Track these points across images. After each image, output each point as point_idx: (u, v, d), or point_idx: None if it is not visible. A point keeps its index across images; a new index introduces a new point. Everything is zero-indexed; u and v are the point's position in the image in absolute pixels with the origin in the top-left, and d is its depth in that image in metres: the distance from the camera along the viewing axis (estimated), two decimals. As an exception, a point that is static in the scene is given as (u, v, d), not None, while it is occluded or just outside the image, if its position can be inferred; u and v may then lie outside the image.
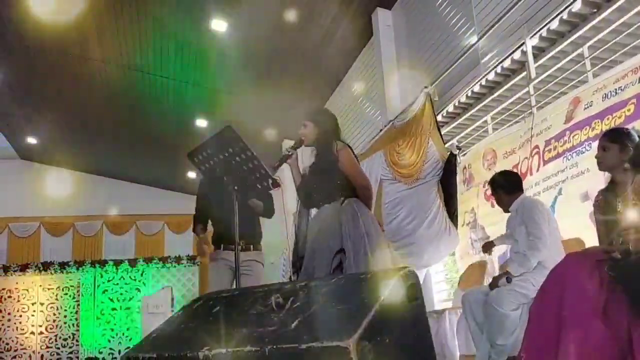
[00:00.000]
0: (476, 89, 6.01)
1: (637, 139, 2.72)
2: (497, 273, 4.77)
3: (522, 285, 3.34)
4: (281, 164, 3.33)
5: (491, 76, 5.77)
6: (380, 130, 7.19)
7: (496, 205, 5.24)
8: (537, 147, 4.82)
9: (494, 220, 5.03)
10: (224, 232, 3.70)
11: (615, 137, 2.77)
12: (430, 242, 5.52)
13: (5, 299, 11.82)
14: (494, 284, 3.47)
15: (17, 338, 11.63)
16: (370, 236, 3.06)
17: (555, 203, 4.47)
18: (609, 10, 4.57)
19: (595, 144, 2.89)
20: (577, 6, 4.75)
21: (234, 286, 3.56)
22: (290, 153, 3.33)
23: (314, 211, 3.36)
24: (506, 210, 3.85)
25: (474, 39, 6.26)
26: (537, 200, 4.10)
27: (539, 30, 5.06)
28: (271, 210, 3.89)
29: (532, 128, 4.90)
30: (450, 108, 6.46)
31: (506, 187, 3.79)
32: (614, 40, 4.58)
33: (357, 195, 3.22)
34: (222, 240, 3.78)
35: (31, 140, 12.18)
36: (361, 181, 3.28)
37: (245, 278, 3.57)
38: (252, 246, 3.75)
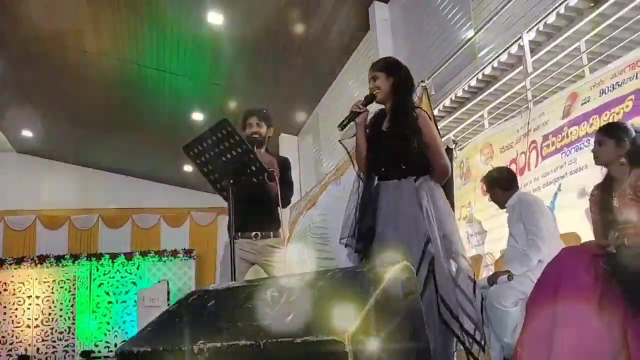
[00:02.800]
0: (473, 83, 6.00)
1: (633, 133, 2.73)
2: (493, 266, 4.78)
3: (520, 282, 3.34)
4: (349, 122, 2.88)
5: (488, 70, 5.76)
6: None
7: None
8: (534, 142, 4.82)
9: (491, 214, 5.04)
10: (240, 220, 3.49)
11: (611, 132, 2.77)
12: None
13: (0, 292, 11.81)
14: (492, 280, 3.45)
15: (12, 331, 11.64)
16: (451, 219, 2.78)
17: (556, 199, 4.47)
18: (606, 4, 4.57)
19: (593, 140, 2.89)
20: (574, 0, 4.74)
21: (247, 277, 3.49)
22: (361, 110, 2.87)
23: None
24: (502, 207, 3.82)
25: (470, 32, 6.25)
26: (535, 196, 4.09)
27: (535, 24, 5.05)
28: (287, 198, 3.62)
29: (529, 123, 4.90)
30: (447, 102, 6.45)
31: (503, 183, 3.76)
32: (610, 35, 4.58)
33: (429, 173, 2.78)
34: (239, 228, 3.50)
35: (27, 133, 12.12)
36: (440, 158, 2.79)
37: (270, 270, 3.44)
38: (271, 233, 3.51)
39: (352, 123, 2.91)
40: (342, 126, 2.88)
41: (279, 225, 3.57)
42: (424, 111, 2.89)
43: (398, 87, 2.88)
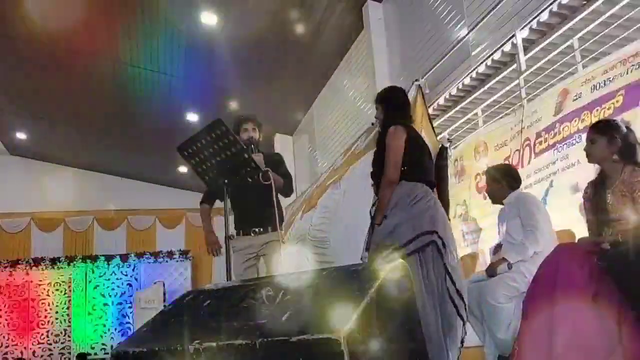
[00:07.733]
0: (467, 81, 6.01)
1: (624, 130, 2.74)
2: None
3: (512, 277, 3.34)
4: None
5: (481, 69, 5.78)
6: (372, 124, 7.17)
7: (488, 198, 5.26)
8: (528, 139, 4.83)
9: (486, 212, 5.05)
10: (240, 217, 3.69)
11: (603, 130, 2.77)
12: None
13: (-4, 295, 11.77)
14: (492, 270, 3.44)
15: (8, 334, 11.59)
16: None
17: (547, 195, 4.48)
18: (599, 2, 4.58)
19: (585, 136, 2.91)
20: (566, -2, 4.76)
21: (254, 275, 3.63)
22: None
23: None
24: (495, 202, 3.82)
25: (464, 31, 6.27)
26: (534, 196, 4.10)
27: (529, 22, 5.07)
28: (290, 189, 3.85)
29: (522, 120, 4.91)
30: (441, 101, 6.46)
31: (511, 181, 3.76)
32: (603, 32, 4.59)
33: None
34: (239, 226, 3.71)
35: (20, 135, 12.08)
36: (388, 168, 3.08)
37: (264, 258, 3.64)
38: (269, 228, 3.63)
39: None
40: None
41: (279, 218, 3.62)
42: (405, 126, 3.21)
43: (386, 117, 3.32)
